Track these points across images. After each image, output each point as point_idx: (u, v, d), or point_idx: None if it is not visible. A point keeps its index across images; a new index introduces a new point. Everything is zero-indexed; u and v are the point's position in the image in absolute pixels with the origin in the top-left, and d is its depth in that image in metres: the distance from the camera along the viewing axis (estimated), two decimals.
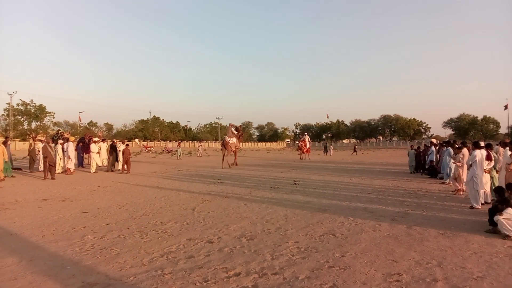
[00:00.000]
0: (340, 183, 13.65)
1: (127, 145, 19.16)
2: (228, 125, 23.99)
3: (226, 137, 22.01)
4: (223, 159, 21.92)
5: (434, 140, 18.87)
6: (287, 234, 6.13)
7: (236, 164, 22.78)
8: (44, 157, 15.21)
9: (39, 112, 73.44)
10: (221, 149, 22.43)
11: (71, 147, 17.22)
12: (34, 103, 72.92)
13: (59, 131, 24.38)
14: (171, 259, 4.81)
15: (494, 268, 4.40)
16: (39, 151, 18.08)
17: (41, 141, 19.97)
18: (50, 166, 15.17)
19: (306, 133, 38.85)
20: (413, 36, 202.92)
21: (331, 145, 54.19)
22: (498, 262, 4.61)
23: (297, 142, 37.55)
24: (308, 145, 32.68)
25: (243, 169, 20.59)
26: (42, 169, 16.55)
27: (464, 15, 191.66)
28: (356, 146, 53.69)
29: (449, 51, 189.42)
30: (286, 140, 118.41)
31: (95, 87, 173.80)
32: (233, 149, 22.02)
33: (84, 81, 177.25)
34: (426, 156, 17.20)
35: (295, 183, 13.36)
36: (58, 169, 16.94)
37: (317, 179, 14.87)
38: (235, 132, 22.55)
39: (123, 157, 18.33)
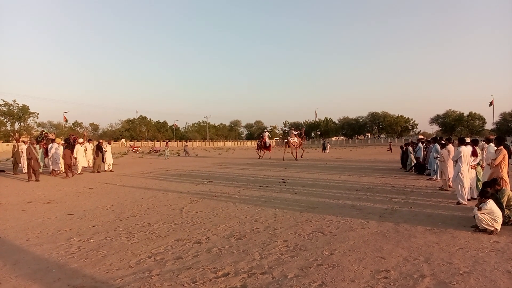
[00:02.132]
0: (329, 180, 13.71)
1: (65, 145, 17.06)
2: (290, 129, 35.38)
3: (289, 137, 29.00)
4: (284, 153, 29.30)
5: (421, 137, 19.12)
6: (276, 233, 6.11)
7: (301, 157, 29.69)
8: (28, 159, 14.90)
9: (23, 113, 71.96)
10: (284, 146, 30.07)
11: (56, 148, 16.92)
12: (17, 104, 71.46)
13: (43, 132, 23.94)
14: (159, 261, 4.74)
15: (481, 263, 4.45)
16: (22, 152, 17.74)
17: (24, 142, 19.57)
18: (34, 167, 14.88)
19: (265, 130, 36.48)
20: (400, 34, 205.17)
21: (328, 143, 55.58)
22: (484, 257, 4.66)
23: (258, 141, 33.93)
24: (268, 143, 31.92)
25: (232, 168, 20.54)
26: (26, 170, 16.23)
27: (450, 13, 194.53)
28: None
29: (435, 48, 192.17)
30: (275, 138, 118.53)
31: (80, 86, 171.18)
32: (296, 146, 28.23)
33: (68, 81, 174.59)
34: (410, 153, 17.41)
35: (284, 182, 13.37)
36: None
37: (306, 177, 14.90)
38: (294, 133, 28.94)
39: (64, 160, 16.29)
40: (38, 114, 75.10)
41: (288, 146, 28.36)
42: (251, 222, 6.92)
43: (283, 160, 27.50)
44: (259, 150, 32.37)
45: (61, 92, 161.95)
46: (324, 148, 48.03)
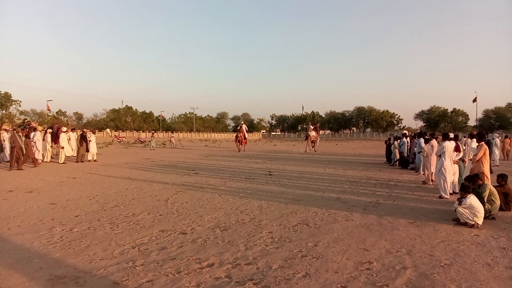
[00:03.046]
0: (314, 173, 13.81)
1: (26, 136, 15.93)
2: (308, 124, 35.41)
3: (308, 131, 31.08)
4: (306, 146, 31.06)
5: (406, 132, 19.39)
6: (261, 224, 6.14)
7: (316, 150, 30.75)
8: (12, 147, 14.60)
9: (4, 100, 70.17)
10: (306, 140, 31.89)
11: (38, 136, 16.62)
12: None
13: (26, 120, 23.45)
14: (143, 251, 4.72)
15: (461, 255, 4.56)
16: (4, 140, 17.37)
17: (6, 130, 19.15)
18: (18, 156, 14.58)
19: (242, 122, 32.88)
20: (387, 31, 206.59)
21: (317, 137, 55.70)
22: (465, 250, 4.77)
23: (236, 133, 31.69)
24: (246, 135, 30.50)
25: (218, 160, 20.50)
26: (8, 159, 15.90)
27: (436, 11, 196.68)
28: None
29: (421, 46, 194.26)
30: (262, 131, 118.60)
31: (65, 74, 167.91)
32: (313, 139, 30.62)
33: (52, 69, 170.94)
34: (395, 148, 17.64)
35: (270, 174, 13.42)
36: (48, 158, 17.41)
37: (291, 170, 14.98)
38: (312, 127, 31.07)
39: (26, 150, 15.21)
40: (20, 102, 73.33)
41: (307, 139, 31.38)
42: (236, 214, 6.93)
43: (305, 152, 29.85)
44: (238, 144, 30.12)
45: (44, 80, 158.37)
46: (313, 142, 48.16)
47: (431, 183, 10.85)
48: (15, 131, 15.27)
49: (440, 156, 8.93)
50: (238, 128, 31.92)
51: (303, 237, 5.36)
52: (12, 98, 71.23)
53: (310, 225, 6.09)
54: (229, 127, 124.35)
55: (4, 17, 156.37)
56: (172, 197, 8.71)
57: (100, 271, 4.01)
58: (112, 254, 4.60)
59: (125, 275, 3.90)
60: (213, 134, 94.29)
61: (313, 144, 30.80)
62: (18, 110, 73.48)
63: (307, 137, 31.38)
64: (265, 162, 19.02)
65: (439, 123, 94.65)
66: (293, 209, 7.31)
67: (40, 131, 17.05)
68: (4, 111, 71.47)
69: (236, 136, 30.73)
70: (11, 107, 71.99)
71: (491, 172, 9.46)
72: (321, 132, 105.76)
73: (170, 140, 40.96)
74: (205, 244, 5.05)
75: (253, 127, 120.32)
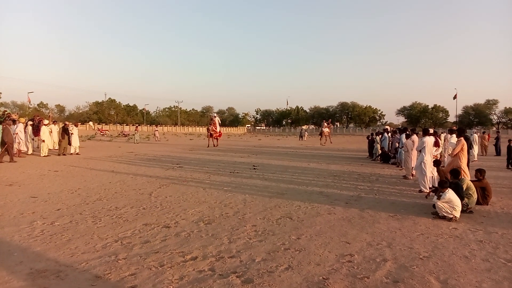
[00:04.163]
0: (298, 168, 13.92)
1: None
2: (323, 121, 39.71)
3: (322, 128, 34.66)
4: (320, 140, 34.39)
5: (388, 127, 19.69)
6: (245, 218, 6.18)
7: (331, 142, 34.45)
8: (4, 141, 14.46)
9: None
10: (320, 135, 35.26)
11: (20, 128, 16.27)
12: None
13: (6, 112, 22.85)
14: (126, 245, 4.70)
15: (439, 248, 4.69)
16: None
17: None
18: (7, 147, 14.50)
19: (215, 115, 30.28)
20: (370, 29, 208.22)
21: (306, 131, 56.40)
22: (443, 243, 4.91)
23: (209, 126, 28.67)
24: (219, 129, 27.71)
25: (203, 154, 20.43)
26: None
27: (416, 8, 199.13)
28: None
29: (403, 43, 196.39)
30: (247, 125, 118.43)
31: (46, 66, 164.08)
32: (326, 134, 33.97)
33: (34, 60, 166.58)
34: (376, 143, 17.92)
35: (254, 168, 13.46)
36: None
37: (276, 164, 15.06)
38: (326, 123, 35.02)
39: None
40: (0, 93, 71.45)
41: (321, 134, 34.51)
42: (220, 207, 6.95)
43: (323, 145, 32.55)
44: (210, 138, 27.61)
45: (26, 71, 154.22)
46: (301, 136, 48.79)
47: (411, 178, 11.08)
48: (7, 125, 14.96)
49: (420, 151, 9.12)
50: (211, 120, 28.88)
51: (286, 230, 5.42)
52: None
53: (293, 218, 6.16)
54: None
55: None
56: (156, 190, 8.66)
57: (82, 265, 3.98)
58: (94, 247, 4.57)
59: (108, 268, 3.89)
60: (198, 128, 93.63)
61: (325, 138, 33.91)
62: None
63: (321, 132, 34.65)
64: (249, 156, 19.06)
65: (420, 119, 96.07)
66: (277, 203, 7.38)
67: (22, 123, 16.64)
68: None
69: (208, 129, 28.31)
70: None
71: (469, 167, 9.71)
72: (304, 127, 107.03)
73: (154, 134, 40.57)
74: (188, 237, 5.06)
75: (238, 121, 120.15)
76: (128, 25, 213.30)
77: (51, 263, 4.02)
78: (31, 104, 73.26)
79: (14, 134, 15.67)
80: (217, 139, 27.88)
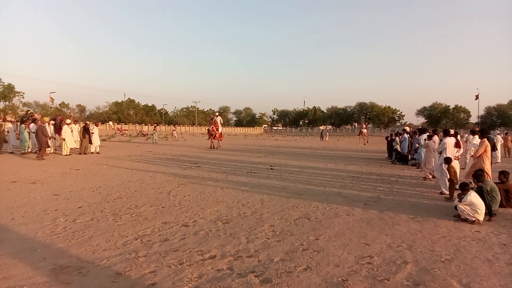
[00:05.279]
0: (316, 168, 13.83)
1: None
2: (361, 123, 48.14)
3: (362, 129, 39.24)
4: (359, 139, 38.28)
5: (407, 128, 19.35)
6: (263, 218, 6.18)
7: (366, 143, 36.38)
8: (47, 137, 15.47)
9: (8, 92, 70.32)
10: (359, 135, 39.08)
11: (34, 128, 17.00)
12: (3, 82, 69.74)
13: (29, 112, 23.51)
14: (146, 242, 4.77)
15: (462, 251, 4.58)
16: (8, 132, 17.56)
17: (11, 121, 19.36)
18: (43, 145, 15.34)
19: (217, 114, 27.92)
20: (390, 27, 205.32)
21: (327, 131, 56.19)
22: (466, 246, 4.80)
23: (209, 126, 26.01)
24: (220, 129, 25.71)
25: (220, 154, 20.52)
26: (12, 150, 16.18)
27: (440, 8, 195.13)
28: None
29: (425, 42, 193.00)
30: (264, 126, 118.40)
31: (67, 66, 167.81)
32: (366, 134, 37.80)
33: (55, 60, 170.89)
34: (394, 143, 17.64)
35: (271, 168, 13.44)
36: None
37: (293, 165, 15.00)
38: (364, 125, 41.38)
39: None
40: (23, 93, 73.57)
41: (360, 134, 37.98)
42: (238, 207, 6.98)
43: (364, 144, 35.01)
44: (211, 138, 25.18)
45: (48, 72, 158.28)
46: (321, 137, 48.76)
47: (430, 177, 10.86)
48: (42, 123, 15.83)
49: (441, 152, 8.93)
50: (211, 120, 26.31)
51: (304, 231, 5.40)
52: (15, 90, 71.40)
53: (311, 219, 6.13)
54: (231, 121, 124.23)
55: (7, 9, 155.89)
56: (174, 189, 8.76)
57: (103, 262, 4.06)
58: (115, 245, 4.65)
59: (128, 265, 3.95)
60: (221, 128, 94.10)
61: (364, 138, 37.02)
62: (21, 101, 73.74)
63: (360, 132, 38.27)
64: (266, 157, 19.05)
65: (441, 119, 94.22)
66: (295, 203, 7.35)
67: (48, 123, 17.19)
68: (7, 102, 71.64)
69: (208, 130, 25.76)
70: (14, 98, 72.21)
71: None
72: (321, 127, 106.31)
73: (172, 134, 40.99)
74: (207, 236, 5.09)
75: (255, 121, 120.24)
76: (146, 26, 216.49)
77: (74, 260, 4.11)
78: (53, 104, 75.05)
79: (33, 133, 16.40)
80: (218, 140, 25.87)
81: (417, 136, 14.84)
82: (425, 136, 12.61)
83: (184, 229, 5.43)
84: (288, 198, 7.92)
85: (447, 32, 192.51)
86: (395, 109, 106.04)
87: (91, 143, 18.86)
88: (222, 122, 26.37)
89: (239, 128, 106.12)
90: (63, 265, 3.94)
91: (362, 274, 3.80)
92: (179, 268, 3.91)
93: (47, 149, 16.26)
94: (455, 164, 9.13)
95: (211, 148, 24.82)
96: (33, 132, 17.29)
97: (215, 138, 25.12)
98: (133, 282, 3.56)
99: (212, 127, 24.87)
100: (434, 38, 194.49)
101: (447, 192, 8.45)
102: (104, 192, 8.35)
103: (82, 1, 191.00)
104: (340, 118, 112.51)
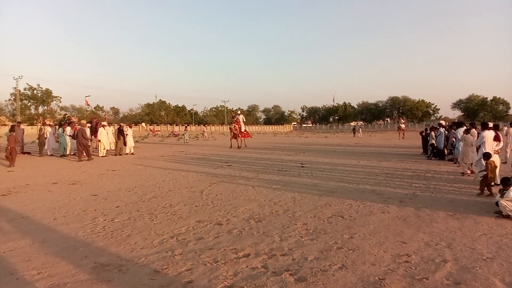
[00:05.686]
0: (348, 165, 13.61)
1: (11, 131, 15.44)
2: (399, 118, 41.44)
3: (400, 123, 39.89)
4: (399, 135, 37.99)
5: (442, 122, 18.68)
6: (295, 216, 6.15)
7: (403, 138, 36.43)
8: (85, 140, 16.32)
9: (46, 97, 73.81)
10: (398, 130, 39.98)
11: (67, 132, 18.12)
12: (41, 88, 73.24)
13: (66, 116, 24.53)
14: (181, 241, 4.86)
15: (504, 249, 4.38)
16: (47, 135, 18.46)
17: (50, 125, 20.27)
18: (85, 147, 16.29)
19: (239, 112, 27.58)
20: (420, 16, 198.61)
21: (360, 127, 55.61)
22: (508, 243, 4.59)
23: (231, 125, 25.29)
24: (243, 128, 24.88)
25: (250, 152, 20.60)
26: (51, 152, 17.03)
27: None
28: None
29: (458, 31, 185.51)
30: (293, 123, 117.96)
31: (101, 71, 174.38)
32: (403, 129, 38.12)
33: (89, 65, 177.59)
34: (429, 138, 17.06)
35: (302, 166, 13.36)
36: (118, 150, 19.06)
37: (324, 162, 14.84)
38: (403, 120, 41.19)
39: (7, 145, 14.35)
40: (60, 98, 76.90)
41: (399, 130, 38.67)
42: (270, 205, 6.98)
43: (401, 139, 34.88)
44: (233, 138, 24.45)
45: (83, 77, 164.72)
46: (354, 132, 48.26)
47: (468, 172, 10.44)
48: (83, 126, 16.89)
49: (479, 146, 8.57)
50: (233, 118, 25.25)
51: (338, 229, 5.33)
52: (52, 95, 74.74)
53: (345, 217, 6.04)
54: (259, 120, 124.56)
55: (46, 22, 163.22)
56: (206, 188, 8.88)
57: (141, 260, 4.17)
58: (152, 243, 4.78)
59: (165, 263, 4.05)
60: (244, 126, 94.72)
61: (402, 133, 37.51)
62: (59, 106, 77.12)
63: (399, 127, 38.98)
64: (297, 154, 18.94)
65: (478, 112, 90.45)
66: (327, 201, 7.27)
67: (84, 125, 17.89)
68: (46, 107, 75.09)
69: (230, 129, 24.91)
70: (52, 103, 75.61)
71: None
72: (352, 123, 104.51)
73: (203, 133, 41.54)
74: (240, 234, 5.14)
75: (284, 119, 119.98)
76: (175, 31, 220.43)
77: (113, 258, 4.26)
78: (89, 107, 77.97)
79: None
80: (242, 139, 25.16)
81: (453, 130, 14.30)
82: (462, 130, 12.14)
83: (217, 228, 5.50)
84: (321, 196, 7.85)
85: (483, 21, 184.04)
86: (429, 102, 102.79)
87: (126, 145, 19.43)
88: (244, 120, 25.69)
89: (268, 126, 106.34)
90: (104, 263, 4.09)
91: (400, 273, 3.71)
92: (215, 266, 3.96)
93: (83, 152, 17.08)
94: (495, 159, 8.73)
95: (231, 147, 24.21)
96: (69, 135, 18.11)
97: (239, 137, 24.48)
98: (171, 279, 3.64)
99: (234, 126, 24.10)
100: (469, 27, 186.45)
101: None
102: (139, 192, 8.59)
103: (115, 10, 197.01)
104: (371, 114, 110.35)
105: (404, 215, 6.10)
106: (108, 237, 5.07)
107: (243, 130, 24.62)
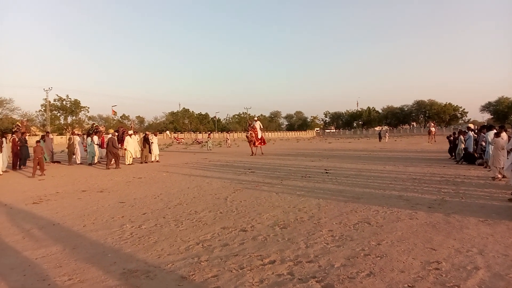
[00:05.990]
0: (373, 171, 13.38)
1: (37, 141, 15.50)
2: (429, 122, 45.30)
3: (430, 128, 38.29)
4: (429, 139, 37.38)
5: (471, 125, 18.15)
6: (321, 222, 6.09)
7: (435, 141, 36.60)
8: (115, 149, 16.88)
9: (75, 107, 76.51)
10: (429, 134, 37.91)
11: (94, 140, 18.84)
12: (70, 98, 75.94)
13: (94, 125, 25.28)
14: (207, 247, 4.90)
15: None
16: (76, 145, 19.10)
17: (78, 135, 20.95)
18: (115, 156, 16.85)
19: (256, 119, 26.74)
20: (445, 18, 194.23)
21: (386, 132, 54.78)
22: None
23: (247, 132, 24.67)
24: (260, 135, 24.14)
25: (273, 159, 20.58)
26: (80, 161, 17.57)
27: None
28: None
29: (485, 31, 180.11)
30: (316, 129, 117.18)
31: (127, 81, 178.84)
32: (433, 133, 37.66)
33: (116, 76, 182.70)
34: (461, 143, 16.55)
35: (326, 172, 13.23)
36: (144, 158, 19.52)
37: (349, 168, 14.64)
38: (433, 124, 39.60)
39: (34, 156, 14.24)
40: (88, 108, 79.48)
41: (430, 134, 37.69)
42: (294, 212, 6.94)
43: (431, 143, 34.68)
44: (251, 144, 23.81)
45: (109, 87, 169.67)
46: (380, 137, 47.60)
47: (499, 176, 10.07)
48: (113, 135, 17.55)
49: (511, 150, 8.27)
50: (249, 126, 24.91)
51: (365, 236, 5.24)
52: (81, 105, 77.31)
53: (371, 223, 5.93)
54: (282, 126, 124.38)
55: (73, 34, 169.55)
56: (230, 195, 8.92)
57: (168, 266, 4.23)
58: (178, 249, 4.84)
59: (192, 270, 4.08)
60: (267, 133, 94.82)
61: (432, 137, 37.07)
62: (87, 115, 79.70)
63: (429, 131, 38.01)
64: (320, 160, 18.78)
65: (508, 115, 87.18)
66: (353, 207, 7.17)
67: (113, 134, 18.39)
68: (74, 117, 77.70)
69: (247, 137, 24.33)
70: (80, 113, 78.22)
71: None
72: (377, 128, 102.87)
73: (226, 141, 41.84)
74: (265, 241, 5.13)
75: (306, 125, 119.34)
76: (198, 39, 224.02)
77: (141, 264, 4.33)
78: (115, 116, 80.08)
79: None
80: (259, 146, 24.37)
81: (483, 134, 13.86)
82: (492, 133, 11.74)
83: (242, 234, 5.51)
84: (346, 202, 7.74)
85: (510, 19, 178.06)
86: (457, 106, 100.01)
87: (151, 152, 19.80)
88: (262, 126, 25.00)
89: (291, 133, 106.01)
90: (132, 269, 4.16)
91: (430, 280, 3.61)
92: (240, 272, 3.97)
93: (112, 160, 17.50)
94: None
95: (252, 154, 23.78)
96: (97, 144, 18.67)
97: (255, 145, 23.81)
98: (197, 286, 3.67)
99: (251, 133, 23.50)
100: (497, 27, 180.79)
101: None
102: (165, 198, 8.72)
103: (141, 23, 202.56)
104: (396, 118, 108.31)
105: (433, 221, 5.93)
106: (135, 244, 5.17)
107: (259, 136, 23.96)
